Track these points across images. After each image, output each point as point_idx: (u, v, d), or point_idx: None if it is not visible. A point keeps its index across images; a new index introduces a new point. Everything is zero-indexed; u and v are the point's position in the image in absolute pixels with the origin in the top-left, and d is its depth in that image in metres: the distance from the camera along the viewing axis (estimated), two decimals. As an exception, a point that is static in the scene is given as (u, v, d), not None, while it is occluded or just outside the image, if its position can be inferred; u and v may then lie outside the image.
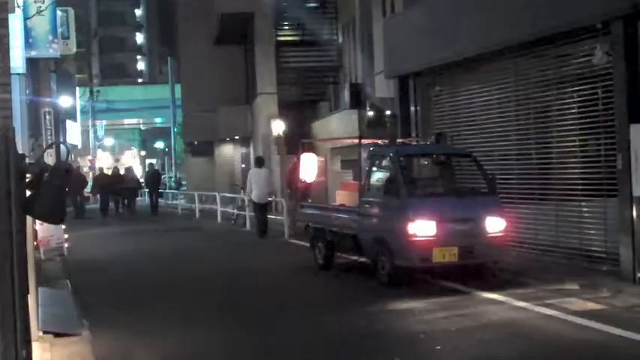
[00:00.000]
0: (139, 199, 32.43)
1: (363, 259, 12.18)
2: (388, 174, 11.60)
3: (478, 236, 10.65)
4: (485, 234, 10.74)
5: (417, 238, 10.41)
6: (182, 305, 10.50)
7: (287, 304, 10.26)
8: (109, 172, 33.42)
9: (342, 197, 13.83)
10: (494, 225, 10.85)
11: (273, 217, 21.55)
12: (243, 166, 34.18)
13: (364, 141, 13.24)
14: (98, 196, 31.96)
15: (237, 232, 21.75)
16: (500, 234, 10.87)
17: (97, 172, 33.81)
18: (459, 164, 12.76)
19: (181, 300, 10.94)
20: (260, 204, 19.32)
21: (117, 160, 34.67)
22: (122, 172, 31.98)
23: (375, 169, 11.96)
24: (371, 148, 12.63)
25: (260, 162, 20.25)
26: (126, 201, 30.32)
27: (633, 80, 10.25)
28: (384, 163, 11.91)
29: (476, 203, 11.14)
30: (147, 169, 34.14)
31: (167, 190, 41.72)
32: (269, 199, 19.94)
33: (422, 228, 10.43)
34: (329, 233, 12.71)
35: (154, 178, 32.01)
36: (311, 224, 13.64)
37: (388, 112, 17.53)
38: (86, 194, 32.85)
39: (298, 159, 14.49)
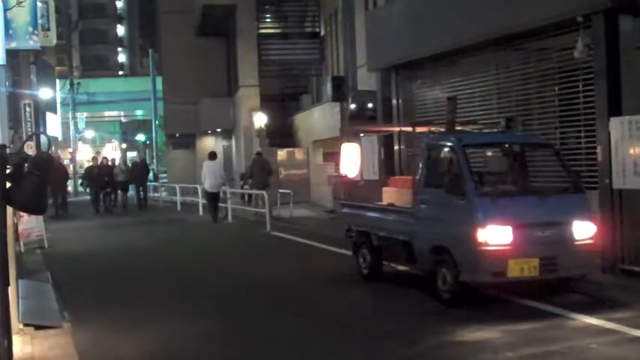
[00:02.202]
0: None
1: (416, 271, 10.34)
2: (450, 168, 9.44)
3: (563, 244, 8.81)
4: (572, 242, 8.90)
5: (489, 248, 8.53)
6: (164, 298, 10.47)
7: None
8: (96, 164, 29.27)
9: (389, 195, 11.43)
10: (583, 230, 8.98)
11: (255, 209, 21.60)
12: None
13: (419, 128, 11.32)
14: (88, 190, 28.85)
15: (219, 224, 21.69)
16: (590, 241, 9.02)
17: (90, 163, 29.72)
18: (532, 156, 10.84)
19: (163, 292, 10.91)
20: (212, 193, 21.67)
21: (98, 153, 34.22)
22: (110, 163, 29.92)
23: (432, 161, 9.89)
24: (427, 136, 10.42)
25: (212, 155, 22.63)
26: (114, 195, 28.28)
27: (614, 74, 10.31)
28: (445, 154, 9.73)
29: (560, 204, 9.15)
30: (133, 161, 32.36)
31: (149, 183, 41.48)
32: (222, 188, 22.13)
33: (495, 235, 8.56)
34: (375, 238, 10.76)
35: (141, 170, 29.54)
36: (353, 226, 11.56)
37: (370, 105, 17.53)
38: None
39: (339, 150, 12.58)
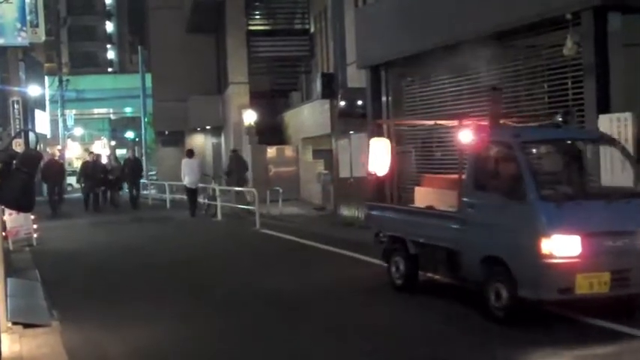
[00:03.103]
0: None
1: (460, 283, 9.18)
2: (505, 167, 8.33)
3: (637, 256, 7.74)
4: None
5: (555, 260, 7.50)
6: (154, 296, 10.44)
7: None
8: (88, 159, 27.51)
9: (422, 196, 10.44)
10: None
11: (245, 206, 21.60)
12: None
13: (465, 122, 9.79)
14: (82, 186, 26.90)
15: (209, 222, 21.67)
16: None
17: (87, 159, 27.70)
18: (594, 154, 9.95)
19: (153, 291, 10.88)
20: (191, 189, 23.01)
21: (86, 150, 33.71)
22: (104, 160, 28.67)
23: (483, 160, 8.70)
24: (475, 132, 9.03)
25: (191, 153, 24.03)
26: (108, 193, 27.26)
27: (602, 71, 10.35)
28: (499, 152, 8.55)
29: (631, 209, 8.01)
30: (126, 157, 29.40)
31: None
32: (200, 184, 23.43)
33: (562, 245, 7.52)
34: (412, 245, 9.63)
35: (134, 166, 27.97)
36: (384, 231, 10.41)
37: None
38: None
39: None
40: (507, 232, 7.95)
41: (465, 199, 8.68)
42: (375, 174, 10.70)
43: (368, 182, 11.03)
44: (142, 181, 31.28)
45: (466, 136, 8.97)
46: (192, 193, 23.06)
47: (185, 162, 23.53)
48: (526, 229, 7.72)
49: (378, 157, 10.60)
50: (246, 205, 21.74)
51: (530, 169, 8.01)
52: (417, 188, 10.86)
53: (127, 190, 28.64)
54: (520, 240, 7.77)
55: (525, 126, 9.89)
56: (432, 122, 12.67)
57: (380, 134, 11.32)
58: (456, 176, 9.32)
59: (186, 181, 23.02)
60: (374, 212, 10.87)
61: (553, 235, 7.50)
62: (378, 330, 8.00)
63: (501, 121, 9.53)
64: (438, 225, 9.20)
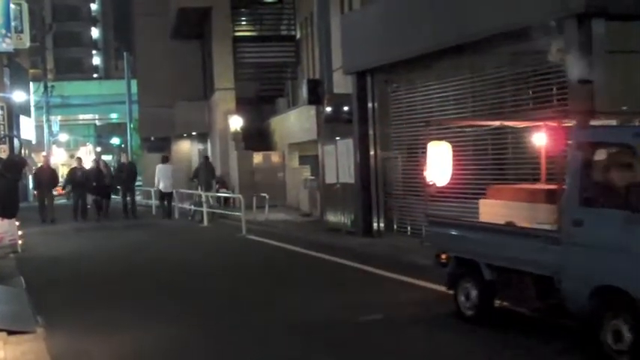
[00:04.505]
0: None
1: (556, 318, 7.60)
2: (626, 174, 6.68)
3: None
4: None
5: None
6: (139, 302, 10.41)
7: None
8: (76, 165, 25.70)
9: (489, 210, 8.87)
10: None
11: (231, 212, 21.58)
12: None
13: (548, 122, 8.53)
14: (71, 195, 25.37)
15: (195, 227, 21.63)
16: None
17: (74, 165, 26.28)
18: None
19: (138, 297, 10.85)
20: (165, 193, 24.56)
21: (72, 157, 32.75)
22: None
23: (593, 166, 7.01)
24: (583, 131, 7.31)
25: (165, 159, 25.59)
26: (103, 202, 24.71)
27: (586, 77, 10.40)
28: (614, 156, 6.89)
29: None
30: (120, 162, 28.02)
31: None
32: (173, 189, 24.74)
33: None
34: (488, 269, 8.02)
35: (129, 172, 25.61)
36: (449, 252, 8.76)
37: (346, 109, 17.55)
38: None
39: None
40: (631, 256, 6.34)
41: (568, 215, 6.98)
42: (434, 184, 9.08)
43: (426, 194, 9.34)
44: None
45: (558, 137, 7.52)
46: (166, 197, 24.54)
47: (159, 168, 24.83)
48: None
49: (438, 164, 8.97)
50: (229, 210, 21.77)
51: None
52: (482, 201, 9.19)
53: (118, 197, 27.21)
54: None
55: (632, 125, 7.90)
56: (497, 123, 10.58)
57: (434, 137, 9.50)
58: (537, 186, 8.21)
59: (161, 186, 24.43)
60: (436, 229, 9.13)
61: None
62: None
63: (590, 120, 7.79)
64: (525, 246, 7.49)
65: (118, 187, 25.91)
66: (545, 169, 8.42)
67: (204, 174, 24.63)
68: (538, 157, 9.39)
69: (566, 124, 7.62)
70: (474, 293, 8.20)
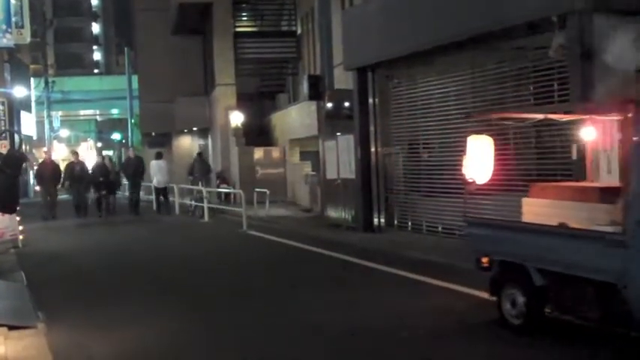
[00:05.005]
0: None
1: (610, 326, 6.93)
2: None
3: None
4: None
5: None
6: (140, 298, 10.41)
7: None
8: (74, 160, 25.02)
9: (534, 209, 8.31)
10: None
11: (232, 208, 21.59)
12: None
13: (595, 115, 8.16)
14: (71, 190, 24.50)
15: (196, 223, 21.64)
16: None
17: (71, 159, 25.46)
18: None
19: (139, 292, 10.85)
20: (159, 188, 24.82)
21: (73, 152, 32.21)
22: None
23: None
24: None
25: (159, 155, 25.55)
26: (110, 198, 24.29)
27: (588, 73, 10.38)
28: None
29: None
30: (126, 157, 27.48)
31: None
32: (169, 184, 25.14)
33: None
34: (538, 275, 7.27)
35: (136, 167, 25.01)
36: (493, 256, 7.99)
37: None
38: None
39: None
40: None
41: (634, 216, 6.31)
42: (474, 181, 8.34)
43: (465, 192, 8.57)
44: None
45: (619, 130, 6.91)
46: (161, 192, 24.91)
47: (153, 163, 25.07)
48: None
49: (478, 159, 8.25)
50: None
51: None
52: (524, 199, 8.57)
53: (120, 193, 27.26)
54: None
55: None
56: (541, 116, 9.42)
57: (477, 131, 8.64)
58: (589, 184, 7.44)
59: (155, 181, 24.75)
60: (477, 231, 8.31)
61: None
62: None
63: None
64: (584, 249, 6.80)
65: (125, 182, 25.79)
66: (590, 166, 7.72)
67: (200, 170, 24.97)
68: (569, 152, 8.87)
69: (623, 116, 6.96)
70: (521, 300, 7.45)
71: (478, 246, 8.24)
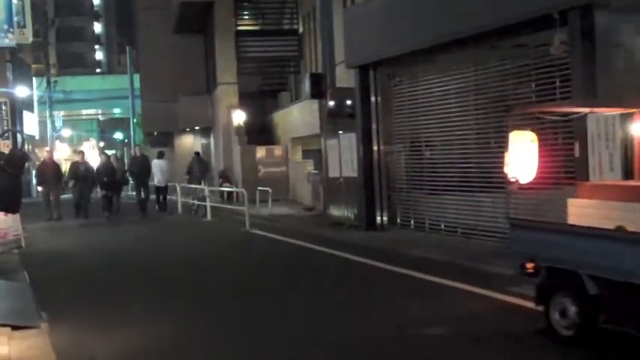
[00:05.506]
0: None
1: None
2: None
3: None
4: None
5: None
6: (143, 298, 10.42)
7: None
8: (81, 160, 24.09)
9: (582, 210, 7.70)
10: None
11: (234, 207, 21.58)
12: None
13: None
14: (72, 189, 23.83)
15: (199, 222, 21.65)
16: None
17: (76, 159, 24.81)
18: None
19: (142, 292, 10.85)
20: (160, 187, 25.12)
21: (75, 151, 31.92)
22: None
23: None
24: None
25: (160, 155, 25.76)
26: (116, 198, 23.73)
27: (590, 70, 10.38)
28: None
29: None
30: (132, 155, 27.35)
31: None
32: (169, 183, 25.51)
33: None
34: (591, 282, 6.63)
35: (143, 165, 24.83)
36: (541, 261, 7.22)
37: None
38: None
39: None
40: None
41: None
42: (517, 181, 7.59)
43: (508, 192, 7.82)
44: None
45: None
46: (161, 190, 25.15)
47: (155, 163, 25.20)
48: None
49: (521, 157, 7.55)
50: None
51: None
52: (570, 200, 7.95)
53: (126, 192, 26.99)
54: None
55: None
56: (587, 110, 8.72)
57: (518, 127, 7.85)
58: None
59: (156, 180, 24.97)
60: (523, 234, 7.54)
61: None
62: None
63: None
64: None
65: (131, 181, 25.31)
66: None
67: (198, 169, 25.06)
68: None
69: None
70: (572, 310, 6.82)
71: (525, 250, 7.44)
